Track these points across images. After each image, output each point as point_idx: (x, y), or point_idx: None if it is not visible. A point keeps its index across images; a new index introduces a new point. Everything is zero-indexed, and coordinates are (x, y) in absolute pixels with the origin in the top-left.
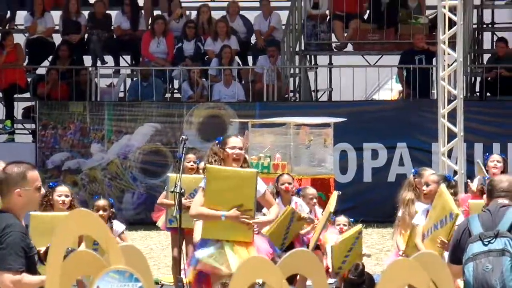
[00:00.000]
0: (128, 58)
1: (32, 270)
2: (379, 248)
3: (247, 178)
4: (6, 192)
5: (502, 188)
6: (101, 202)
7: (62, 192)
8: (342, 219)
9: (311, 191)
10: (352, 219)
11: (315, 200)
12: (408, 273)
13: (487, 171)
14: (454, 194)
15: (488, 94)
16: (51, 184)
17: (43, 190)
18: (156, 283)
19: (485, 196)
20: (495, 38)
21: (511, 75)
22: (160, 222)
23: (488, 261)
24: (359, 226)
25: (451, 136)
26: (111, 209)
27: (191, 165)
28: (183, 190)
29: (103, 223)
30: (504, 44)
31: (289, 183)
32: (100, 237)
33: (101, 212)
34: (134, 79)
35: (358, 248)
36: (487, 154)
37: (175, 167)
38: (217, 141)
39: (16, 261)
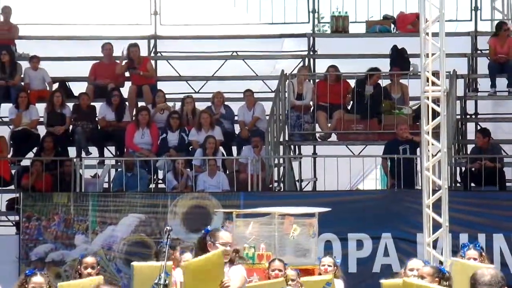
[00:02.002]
0: (112, 149)
1: None
2: None
3: (215, 258)
4: None
5: (485, 282)
6: (90, 259)
7: (35, 284)
8: (327, 260)
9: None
10: (338, 261)
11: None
12: None
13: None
14: (449, 287)
15: (473, 184)
16: (27, 272)
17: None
18: None
19: None
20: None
21: (495, 166)
22: None
23: None
24: (329, 276)
25: (436, 226)
26: (98, 267)
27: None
28: (167, 282)
29: None
30: (482, 135)
31: (280, 270)
32: None
33: (89, 270)
34: (119, 169)
35: None
36: (464, 245)
37: (154, 256)
38: (205, 232)
39: None
